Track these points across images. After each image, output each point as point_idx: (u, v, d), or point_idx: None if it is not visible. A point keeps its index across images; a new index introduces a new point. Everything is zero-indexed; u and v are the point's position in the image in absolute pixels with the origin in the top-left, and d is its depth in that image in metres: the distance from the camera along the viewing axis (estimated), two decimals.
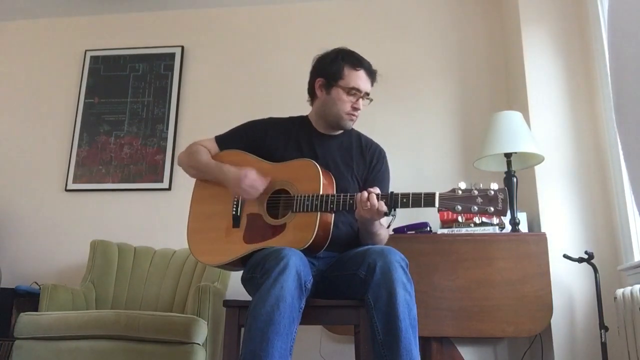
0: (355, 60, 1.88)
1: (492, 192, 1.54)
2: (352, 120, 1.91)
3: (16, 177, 3.54)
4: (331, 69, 1.88)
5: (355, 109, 1.88)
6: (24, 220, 3.44)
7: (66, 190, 3.47)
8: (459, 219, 1.61)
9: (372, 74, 1.90)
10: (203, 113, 3.52)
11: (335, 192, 1.77)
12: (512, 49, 3.16)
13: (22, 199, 3.49)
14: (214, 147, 1.96)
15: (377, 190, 1.67)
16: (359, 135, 2.02)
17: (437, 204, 1.57)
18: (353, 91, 1.86)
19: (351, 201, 1.67)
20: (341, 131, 1.97)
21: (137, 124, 3.55)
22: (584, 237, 2.61)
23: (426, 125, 3.29)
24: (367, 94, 1.90)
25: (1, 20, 3.89)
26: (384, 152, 2.02)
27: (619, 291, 2.21)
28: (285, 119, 2.02)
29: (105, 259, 2.99)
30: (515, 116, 2.66)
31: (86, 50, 3.73)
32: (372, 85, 1.91)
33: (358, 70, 1.87)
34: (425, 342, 2.47)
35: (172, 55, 3.64)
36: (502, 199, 1.53)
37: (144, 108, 3.58)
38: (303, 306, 1.55)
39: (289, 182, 1.79)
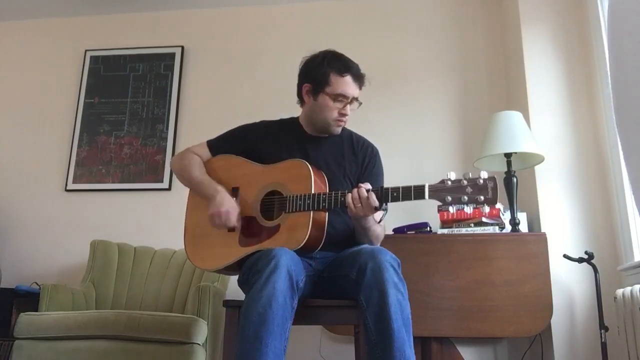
0: (341, 66, 1.84)
1: (482, 181, 1.53)
2: (339, 126, 1.89)
3: (16, 177, 3.54)
4: (317, 74, 1.84)
5: (343, 114, 1.86)
6: (24, 220, 3.44)
7: (66, 190, 3.47)
8: (450, 209, 1.60)
9: (359, 78, 1.86)
10: (203, 113, 3.52)
11: (327, 191, 1.77)
12: (512, 49, 3.16)
13: (22, 199, 3.49)
14: (206, 152, 1.96)
15: (367, 185, 1.66)
16: (350, 134, 2.01)
17: (427, 196, 1.56)
18: (340, 97, 1.83)
19: (343, 198, 1.66)
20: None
21: (137, 124, 3.55)
22: (584, 237, 2.61)
23: (426, 126, 3.29)
24: (356, 98, 1.86)
25: (1, 20, 3.89)
26: (377, 150, 2.01)
27: (619, 291, 2.21)
28: (276, 122, 2.01)
29: (105, 259, 2.99)
30: (515, 116, 2.66)
31: (86, 50, 3.73)
32: (360, 89, 1.87)
33: (344, 76, 1.83)
34: (425, 342, 2.47)
35: (172, 55, 3.64)
36: (491, 187, 1.52)
37: (144, 108, 3.58)
38: (296, 305, 1.54)
39: (281, 184, 1.78)
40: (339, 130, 1.91)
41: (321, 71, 1.84)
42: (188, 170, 1.92)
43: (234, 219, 1.77)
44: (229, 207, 1.77)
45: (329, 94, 1.83)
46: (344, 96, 1.83)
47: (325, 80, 1.83)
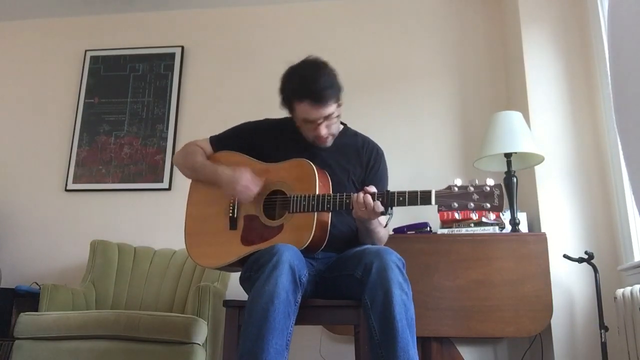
0: (300, 89, 1.75)
1: (488, 188, 1.54)
2: (323, 143, 1.84)
3: (16, 177, 3.54)
4: (283, 97, 1.82)
5: (318, 136, 1.80)
6: (24, 220, 3.44)
7: (66, 190, 3.47)
8: (456, 215, 1.60)
9: (320, 99, 1.72)
10: (203, 113, 3.52)
11: (331, 191, 1.77)
12: (512, 49, 3.16)
13: (22, 199, 3.49)
14: (209, 147, 1.96)
15: (372, 189, 1.66)
16: (355, 135, 2.00)
17: (433, 202, 1.56)
18: (307, 125, 1.80)
19: (347, 200, 1.66)
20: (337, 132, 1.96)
21: (137, 124, 3.55)
22: (584, 237, 2.61)
23: (426, 126, 3.29)
24: (327, 116, 1.76)
25: (1, 20, 3.89)
26: (382, 151, 1.99)
27: (619, 291, 2.21)
28: (280, 120, 2.01)
29: (105, 259, 2.99)
30: (515, 116, 2.66)
31: (86, 50, 3.73)
32: (328, 105, 1.74)
33: (302, 101, 1.74)
34: (425, 342, 2.47)
35: (172, 55, 3.64)
36: (497, 194, 1.53)
37: (144, 108, 3.58)
38: (299, 300, 1.54)
39: (284, 183, 1.78)
40: (327, 144, 1.86)
41: (284, 95, 1.81)
42: (191, 157, 1.92)
43: (256, 183, 1.77)
44: (242, 174, 1.76)
45: (297, 118, 1.82)
46: (307, 121, 1.78)
47: (290, 106, 1.81)
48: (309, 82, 1.74)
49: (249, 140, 1.94)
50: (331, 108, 1.76)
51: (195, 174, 1.93)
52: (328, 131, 1.80)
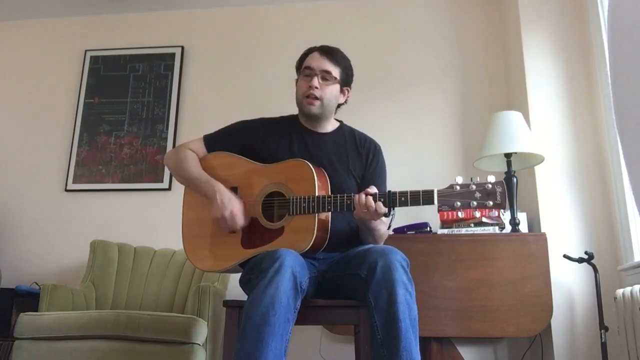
0: (315, 46, 1.94)
1: (490, 186, 1.53)
2: (310, 104, 1.86)
3: (16, 177, 3.54)
4: (298, 63, 1.95)
5: (310, 87, 1.86)
6: (24, 220, 3.44)
7: (66, 190, 3.47)
8: (459, 214, 1.60)
9: (325, 53, 1.90)
10: (203, 113, 3.52)
11: (330, 192, 1.76)
12: (512, 49, 3.16)
13: (22, 199, 3.49)
14: (202, 148, 1.92)
15: (373, 189, 1.65)
16: (352, 131, 2.00)
17: (436, 201, 1.55)
18: (306, 71, 1.88)
19: (349, 201, 1.65)
20: (334, 128, 1.96)
21: (137, 124, 3.55)
22: (584, 237, 2.61)
23: (426, 126, 3.29)
24: (326, 71, 1.86)
25: (1, 20, 3.89)
26: (379, 147, 1.99)
27: (619, 291, 2.21)
28: (276, 119, 2.00)
29: (105, 259, 2.99)
30: (515, 116, 2.66)
31: (86, 50, 3.73)
32: (331, 62, 1.88)
33: (311, 53, 1.92)
34: (425, 342, 2.47)
35: (172, 55, 3.64)
36: (500, 192, 1.52)
37: (144, 108, 3.58)
38: (299, 306, 1.54)
39: (282, 184, 1.76)
40: (311, 109, 1.87)
41: (300, 58, 1.95)
42: (183, 166, 1.88)
43: (240, 220, 1.75)
44: (233, 209, 1.74)
45: (300, 73, 1.92)
46: (309, 68, 1.88)
47: (300, 64, 1.93)
48: (325, 44, 1.95)
49: (245, 139, 1.92)
50: (333, 69, 1.87)
51: (188, 183, 1.90)
52: (320, 89, 1.86)
